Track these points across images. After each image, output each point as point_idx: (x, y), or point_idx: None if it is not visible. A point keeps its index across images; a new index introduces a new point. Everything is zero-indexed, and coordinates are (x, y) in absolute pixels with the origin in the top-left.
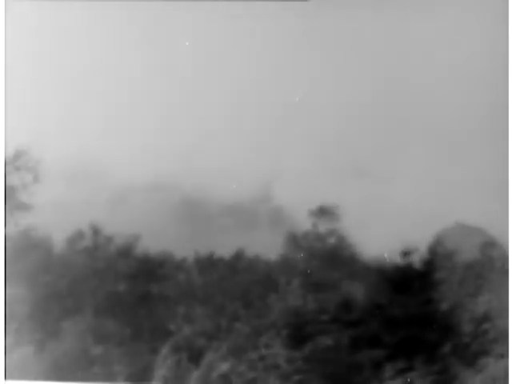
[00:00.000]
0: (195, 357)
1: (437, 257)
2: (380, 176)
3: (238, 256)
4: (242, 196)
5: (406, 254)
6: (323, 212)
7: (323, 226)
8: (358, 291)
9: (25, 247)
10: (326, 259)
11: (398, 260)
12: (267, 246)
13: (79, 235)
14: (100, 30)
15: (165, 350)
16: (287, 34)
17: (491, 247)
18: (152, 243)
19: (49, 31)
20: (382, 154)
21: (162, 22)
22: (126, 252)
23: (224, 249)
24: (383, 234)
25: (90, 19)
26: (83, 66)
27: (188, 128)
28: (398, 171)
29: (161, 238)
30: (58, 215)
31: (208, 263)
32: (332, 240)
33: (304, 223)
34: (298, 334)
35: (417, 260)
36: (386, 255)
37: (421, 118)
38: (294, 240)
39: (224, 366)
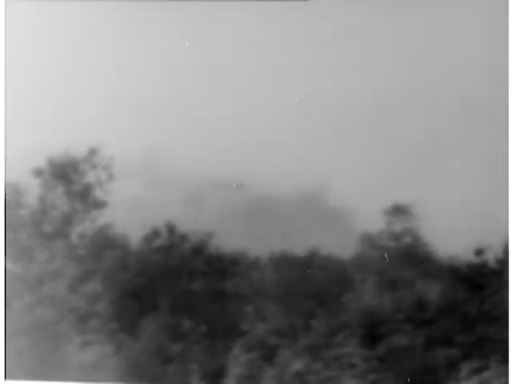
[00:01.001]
0: (269, 355)
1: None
2: (454, 176)
3: (312, 255)
4: (316, 195)
5: (479, 252)
6: (398, 211)
7: (398, 225)
8: (432, 290)
9: (102, 245)
10: (400, 258)
11: (473, 258)
12: (341, 245)
13: (155, 233)
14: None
15: (238, 348)
16: (287, 33)
17: None
18: (226, 241)
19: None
20: (456, 154)
21: (162, 22)
22: (200, 250)
23: (298, 248)
24: (457, 232)
25: (89, 19)
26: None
27: (256, 128)
28: (472, 171)
29: (234, 236)
30: (134, 213)
31: (282, 262)
32: (407, 239)
33: (378, 222)
34: (373, 333)
35: (491, 258)
36: (385, 255)
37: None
38: (368, 239)
39: (298, 365)
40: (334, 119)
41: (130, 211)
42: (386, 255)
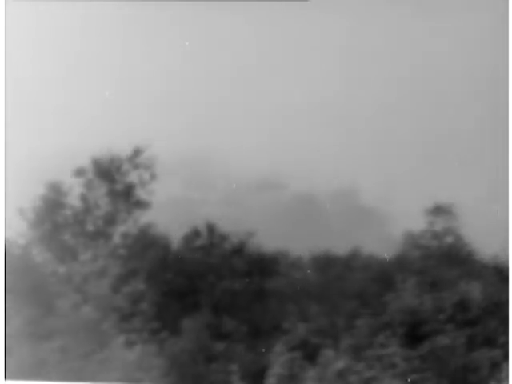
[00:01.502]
0: (310, 355)
1: None
2: (495, 175)
3: (354, 254)
4: (358, 195)
5: None
6: (439, 211)
7: (439, 225)
8: (475, 290)
9: (144, 244)
10: (442, 258)
11: None
12: (382, 245)
13: (196, 233)
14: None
15: (279, 347)
16: (287, 33)
17: None
18: (266, 241)
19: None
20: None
21: (162, 22)
22: (240, 250)
23: (339, 247)
24: (499, 232)
25: (89, 19)
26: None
27: (295, 129)
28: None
29: (275, 235)
30: (175, 213)
31: (323, 261)
32: (449, 238)
33: (420, 222)
34: (415, 333)
35: None
36: (386, 255)
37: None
38: (410, 239)
39: (340, 364)
40: (372, 120)
41: (172, 211)
42: (386, 255)
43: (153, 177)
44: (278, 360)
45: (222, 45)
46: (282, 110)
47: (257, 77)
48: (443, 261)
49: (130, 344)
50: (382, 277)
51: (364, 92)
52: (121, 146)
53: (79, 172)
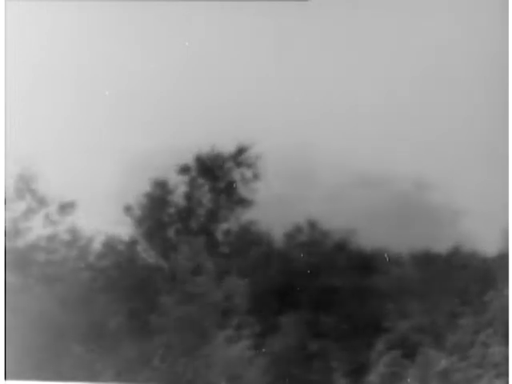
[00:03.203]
0: (411, 353)
1: None
2: None
3: (455, 252)
4: (458, 192)
5: None
6: None
7: None
8: None
9: (245, 241)
10: None
11: None
12: (484, 242)
13: (297, 230)
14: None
15: (380, 345)
16: (288, 33)
17: None
18: (367, 238)
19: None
20: None
21: (161, 22)
22: (341, 247)
23: (440, 244)
24: None
25: (88, 20)
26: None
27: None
28: None
29: (376, 233)
30: (277, 210)
31: (424, 259)
32: None
33: None
34: None
35: None
36: (385, 255)
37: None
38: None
39: (442, 363)
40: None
41: (273, 208)
42: (386, 255)
43: (255, 175)
44: (379, 358)
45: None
46: (385, 108)
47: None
48: None
49: (230, 341)
50: (483, 275)
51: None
52: (225, 144)
53: (183, 169)
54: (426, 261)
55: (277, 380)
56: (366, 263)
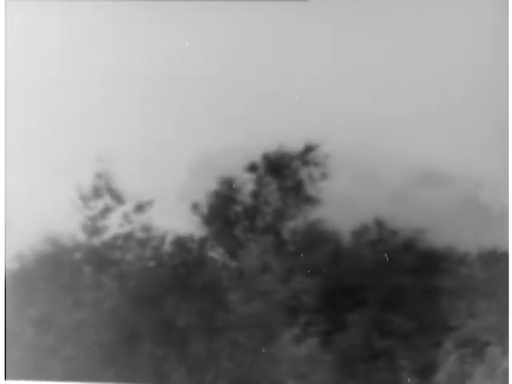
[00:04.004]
0: (479, 352)
1: None
2: None
3: None
4: None
5: None
6: None
7: None
8: None
9: (312, 240)
10: None
11: None
12: None
13: (364, 229)
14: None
15: (448, 344)
16: (287, 33)
17: None
18: (436, 237)
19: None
20: None
21: (161, 22)
22: (409, 246)
23: (507, 244)
24: None
25: (88, 20)
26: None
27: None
28: None
29: (445, 232)
30: (344, 209)
31: (491, 258)
32: None
33: None
34: None
35: None
36: (385, 255)
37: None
38: None
39: (507, 362)
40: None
41: (340, 207)
42: (385, 255)
43: (323, 174)
44: (447, 357)
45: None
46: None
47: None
48: None
49: (297, 339)
50: None
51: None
52: (292, 143)
53: (251, 168)
54: (494, 260)
55: (344, 378)
56: (433, 262)
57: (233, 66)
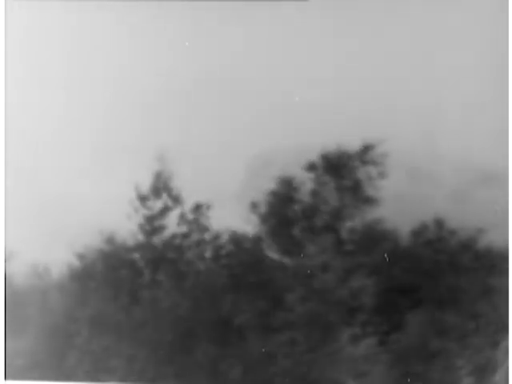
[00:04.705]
0: None
1: None
2: None
3: None
4: None
5: None
6: None
7: None
8: None
9: (371, 240)
10: None
11: None
12: None
13: (423, 229)
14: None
15: (506, 344)
16: (287, 33)
17: None
18: (495, 237)
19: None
20: None
21: (161, 22)
22: (468, 246)
23: None
24: None
25: (88, 20)
26: None
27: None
28: None
29: (504, 232)
30: (403, 209)
31: None
32: None
33: None
34: None
35: None
36: (385, 255)
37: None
38: None
39: None
40: None
41: (399, 207)
42: (385, 255)
43: (381, 173)
44: (505, 358)
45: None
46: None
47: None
48: None
49: (355, 338)
50: None
51: None
52: (350, 142)
53: (310, 167)
54: None
55: (401, 378)
56: (492, 262)
57: (293, 66)
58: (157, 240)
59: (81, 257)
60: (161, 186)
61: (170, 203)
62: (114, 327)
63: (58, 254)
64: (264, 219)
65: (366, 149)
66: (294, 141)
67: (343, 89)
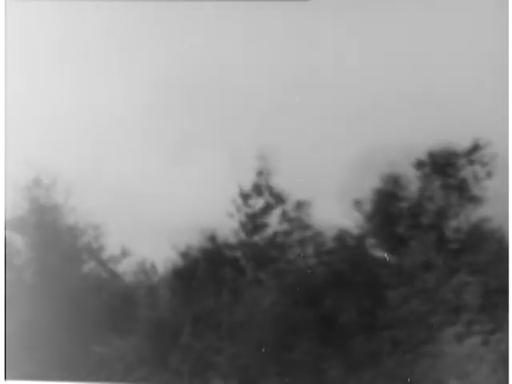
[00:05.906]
0: None
1: None
2: None
3: None
4: None
5: None
6: None
7: None
8: None
9: (477, 239)
10: None
11: None
12: None
13: None
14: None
15: None
16: (287, 33)
17: None
18: None
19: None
20: None
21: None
22: None
23: None
24: None
25: (88, 20)
26: None
27: None
28: None
29: None
30: (508, 208)
31: None
32: None
33: None
34: None
35: None
36: (385, 255)
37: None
38: None
39: None
40: None
41: (505, 207)
42: (386, 255)
43: (488, 173)
44: None
45: None
46: None
47: None
48: None
49: (460, 338)
50: None
51: None
52: (458, 141)
53: (418, 165)
54: None
55: (505, 378)
56: None
57: (408, 67)
58: (258, 238)
59: (184, 255)
60: (263, 184)
61: (271, 201)
62: (216, 325)
63: (162, 253)
64: (368, 217)
65: (475, 148)
66: (400, 138)
67: (451, 87)
